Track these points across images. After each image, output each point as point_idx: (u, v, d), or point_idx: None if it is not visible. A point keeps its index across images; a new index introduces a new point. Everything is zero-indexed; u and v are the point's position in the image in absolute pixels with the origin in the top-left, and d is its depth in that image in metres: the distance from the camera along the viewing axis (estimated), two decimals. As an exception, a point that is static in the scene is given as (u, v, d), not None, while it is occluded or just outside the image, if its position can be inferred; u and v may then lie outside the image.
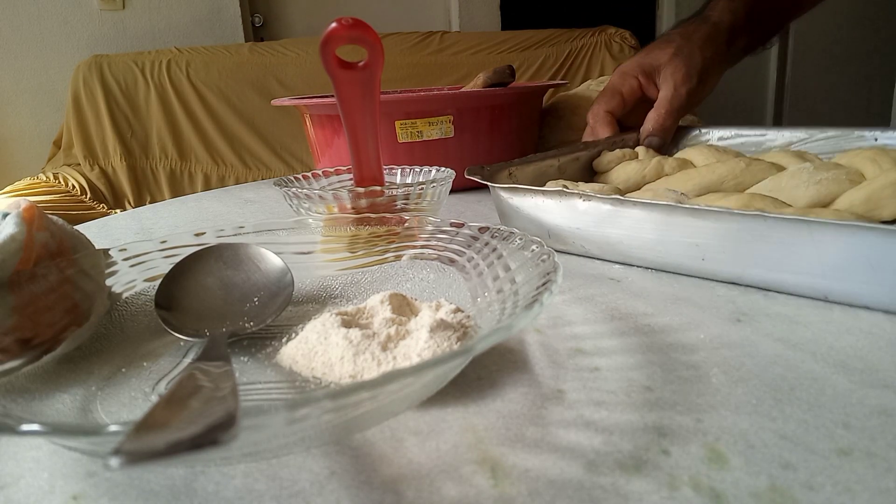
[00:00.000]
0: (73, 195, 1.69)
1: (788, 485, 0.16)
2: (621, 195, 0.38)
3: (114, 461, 0.11)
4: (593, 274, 0.34)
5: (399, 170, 0.46)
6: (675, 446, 0.18)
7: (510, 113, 0.60)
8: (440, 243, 0.30)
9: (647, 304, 0.29)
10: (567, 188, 0.39)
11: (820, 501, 0.16)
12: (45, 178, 1.69)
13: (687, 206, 0.32)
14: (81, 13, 1.98)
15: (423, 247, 0.31)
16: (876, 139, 0.47)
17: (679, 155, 0.51)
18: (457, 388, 0.22)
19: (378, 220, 0.32)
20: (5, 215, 0.26)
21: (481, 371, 0.23)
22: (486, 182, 0.40)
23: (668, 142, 0.56)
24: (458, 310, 0.25)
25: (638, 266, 0.36)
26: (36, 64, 1.96)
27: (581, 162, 0.52)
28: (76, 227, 0.31)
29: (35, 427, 0.14)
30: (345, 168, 0.46)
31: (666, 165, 0.49)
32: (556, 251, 0.37)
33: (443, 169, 0.43)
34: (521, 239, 0.26)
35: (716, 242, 0.31)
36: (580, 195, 0.36)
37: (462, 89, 0.65)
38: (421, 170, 0.45)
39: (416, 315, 0.25)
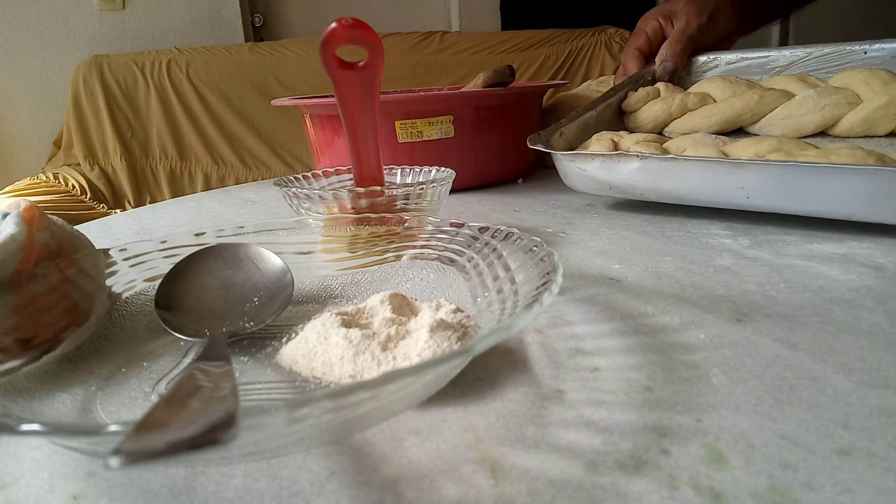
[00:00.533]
0: (73, 195, 1.69)
1: (788, 485, 0.16)
2: (662, 140, 0.48)
3: (114, 461, 0.11)
4: (593, 274, 0.34)
5: (399, 170, 0.46)
6: (675, 446, 0.18)
7: (510, 113, 0.60)
8: (440, 243, 0.30)
9: (647, 304, 0.29)
10: (614, 140, 0.48)
11: (820, 501, 0.16)
12: (45, 178, 1.69)
13: (733, 160, 0.38)
14: (81, 13, 1.98)
15: (423, 247, 0.31)
16: (865, 52, 0.54)
17: (696, 88, 0.57)
18: (457, 388, 0.22)
19: (378, 220, 0.32)
20: (5, 215, 0.26)
21: (481, 371, 0.23)
22: (548, 150, 0.46)
23: (682, 67, 0.63)
24: (458, 310, 0.25)
25: (690, 206, 0.43)
26: (36, 64, 1.96)
27: (613, 107, 0.58)
28: (76, 227, 0.31)
29: (35, 427, 0.14)
30: (345, 168, 0.46)
31: (688, 101, 0.55)
32: (617, 199, 0.49)
33: (443, 169, 0.43)
34: (521, 239, 0.26)
35: (759, 184, 0.38)
36: (638, 156, 0.41)
37: (462, 89, 0.65)
38: (421, 170, 0.45)
39: (416, 315, 0.25)
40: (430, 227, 0.31)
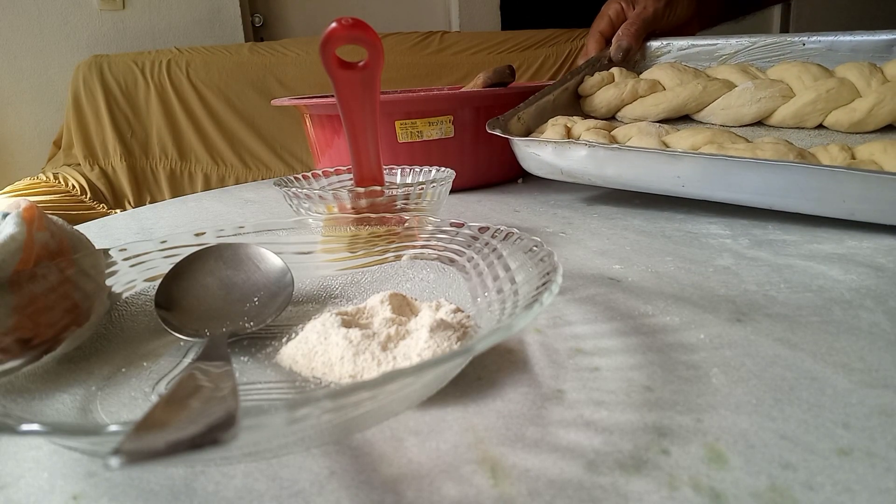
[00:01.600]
0: (73, 195, 1.69)
1: (788, 485, 0.16)
2: (612, 126, 0.51)
3: (114, 461, 0.11)
4: (593, 274, 0.34)
5: (399, 170, 0.46)
6: (675, 446, 0.18)
7: (510, 113, 0.60)
8: (440, 243, 0.30)
9: (647, 304, 0.29)
10: (567, 126, 0.51)
11: (820, 501, 0.16)
12: (45, 178, 1.69)
13: (669, 152, 0.42)
14: (81, 13, 1.98)
15: (423, 247, 0.31)
16: (804, 44, 0.56)
17: (647, 74, 0.60)
18: (457, 388, 0.22)
19: (378, 220, 0.32)
20: (5, 215, 0.26)
21: (481, 371, 0.23)
22: (505, 136, 0.49)
23: (636, 48, 0.65)
24: (458, 310, 0.25)
25: (633, 191, 0.46)
26: (36, 64, 1.96)
27: (570, 91, 0.61)
28: (76, 227, 0.31)
29: (35, 427, 0.14)
30: (345, 168, 0.46)
31: (639, 87, 0.58)
32: (568, 183, 0.50)
33: (443, 169, 0.43)
34: (521, 239, 0.26)
35: (692, 174, 0.42)
36: (587, 144, 0.45)
37: (462, 89, 0.65)
38: (421, 170, 0.45)
39: (416, 315, 0.25)
40: (430, 227, 0.31)
